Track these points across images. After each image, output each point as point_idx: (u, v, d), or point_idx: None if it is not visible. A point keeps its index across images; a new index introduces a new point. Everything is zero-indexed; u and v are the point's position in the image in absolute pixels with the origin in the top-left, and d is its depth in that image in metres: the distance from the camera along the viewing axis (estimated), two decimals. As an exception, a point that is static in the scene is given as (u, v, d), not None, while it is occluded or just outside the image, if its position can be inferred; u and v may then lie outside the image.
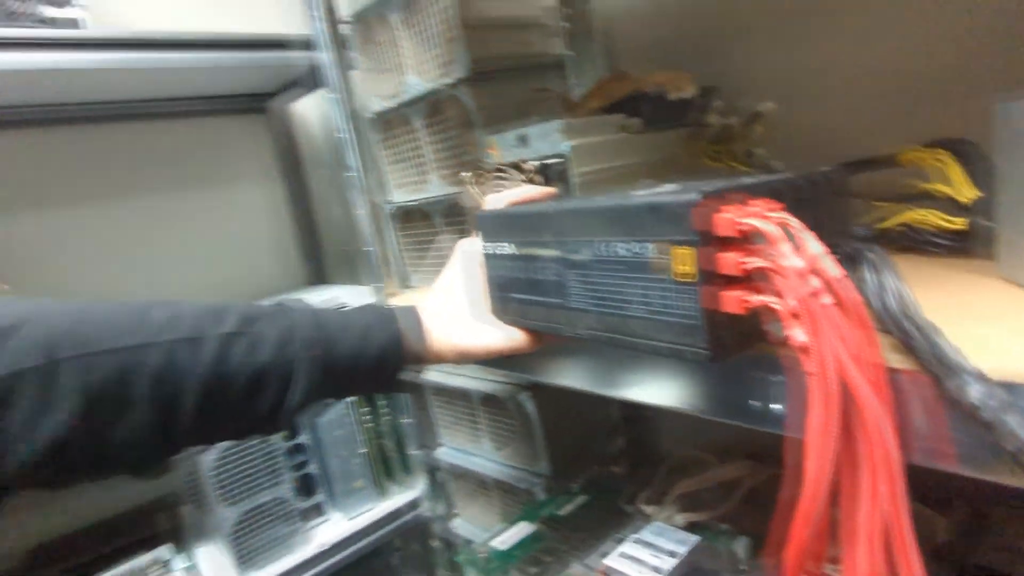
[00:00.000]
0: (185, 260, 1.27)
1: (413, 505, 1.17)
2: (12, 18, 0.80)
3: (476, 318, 0.50)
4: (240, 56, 0.98)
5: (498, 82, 0.76)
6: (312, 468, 1.13)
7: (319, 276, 1.45)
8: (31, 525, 1.05)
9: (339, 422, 1.12)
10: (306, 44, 0.87)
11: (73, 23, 0.85)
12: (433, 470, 0.89)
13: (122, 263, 1.19)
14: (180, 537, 1.13)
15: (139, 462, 0.41)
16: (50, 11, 0.82)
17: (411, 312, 0.50)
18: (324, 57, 0.83)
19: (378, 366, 0.47)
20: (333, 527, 1.13)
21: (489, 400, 0.89)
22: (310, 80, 1.23)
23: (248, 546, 1.01)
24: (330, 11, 0.82)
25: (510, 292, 0.47)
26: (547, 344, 0.49)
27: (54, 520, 1.08)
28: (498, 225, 0.47)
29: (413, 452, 1.09)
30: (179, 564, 1.04)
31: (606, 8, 0.92)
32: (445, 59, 0.77)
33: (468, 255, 0.52)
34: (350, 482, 1.15)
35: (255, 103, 1.32)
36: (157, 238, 1.23)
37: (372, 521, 1.15)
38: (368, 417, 1.17)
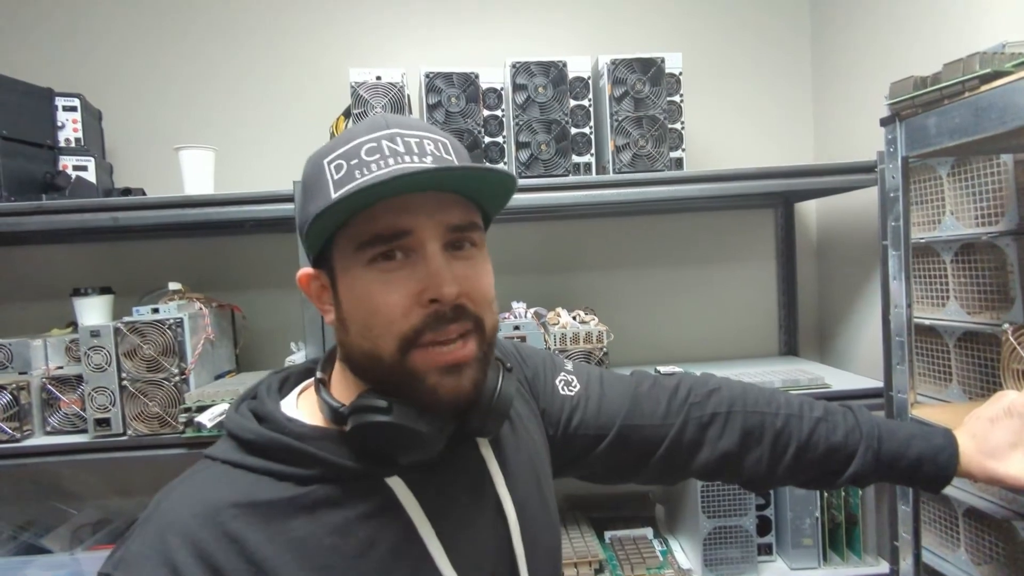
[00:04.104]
0: (690, 315, 1.67)
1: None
2: (650, 159, 1.27)
3: (1009, 454, 0.64)
4: (774, 182, 1.28)
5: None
6: (769, 512, 1.35)
7: (791, 348, 1.66)
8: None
9: (802, 483, 1.31)
10: (867, 169, 1.13)
11: (679, 162, 1.29)
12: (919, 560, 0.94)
13: (650, 308, 1.67)
14: (656, 525, 1.50)
15: (753, 480, 0.70)
16: (674, 154, 1.27)
17: (948, 433, 0.67)
18: (891, 184, 0.91)
19: (913, 467, 0.66)
20: (777, 569, 1.33)
21: (976, 515, 0.95)
22: (821, 191, 1.47)
23: (714, 554, 1.29)
24: (905, 159, 0.89)
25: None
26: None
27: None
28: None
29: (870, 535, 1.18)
30: (658, 546, 1.41)
31: None
32: (990, 211, 0.89)
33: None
34: (799, 537, 1.33)
35: (767, 200, 1.63)
36: (675, 296, 1.67)
37: (813, 579, 1.30)
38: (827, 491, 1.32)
